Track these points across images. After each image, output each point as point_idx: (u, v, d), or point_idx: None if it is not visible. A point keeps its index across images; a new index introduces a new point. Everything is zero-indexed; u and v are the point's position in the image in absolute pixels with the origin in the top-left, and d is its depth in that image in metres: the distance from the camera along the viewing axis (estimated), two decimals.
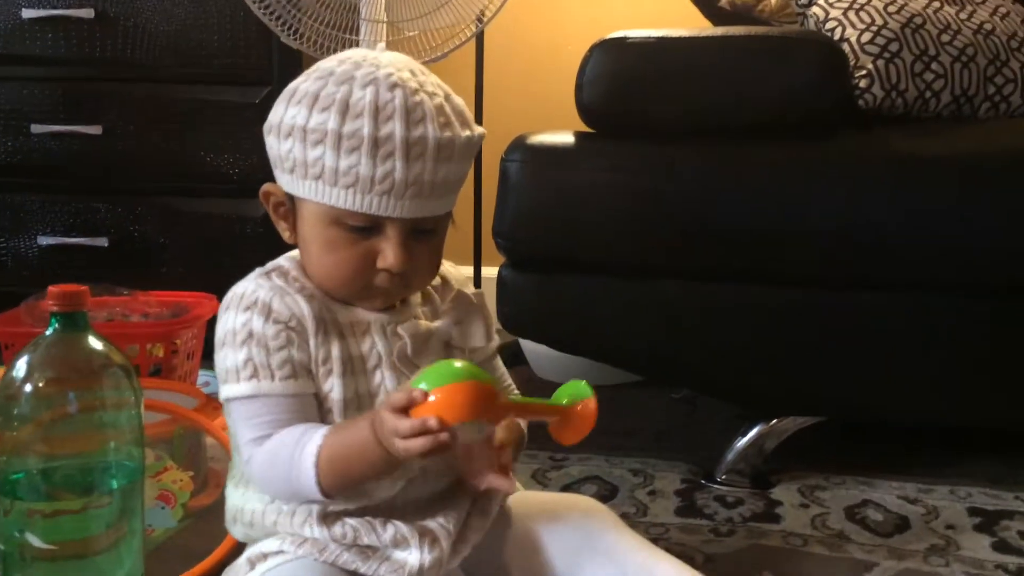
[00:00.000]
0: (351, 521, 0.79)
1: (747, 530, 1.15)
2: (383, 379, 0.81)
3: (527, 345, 1.94)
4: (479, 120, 1.98)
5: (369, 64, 0.77)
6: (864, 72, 1.28)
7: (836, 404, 1.30)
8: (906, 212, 1.18)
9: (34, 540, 0.79)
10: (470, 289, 0.89)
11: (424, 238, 0.80)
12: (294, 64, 1.75)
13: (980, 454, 1.38)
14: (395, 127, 0.74)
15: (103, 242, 1.84)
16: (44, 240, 1.85)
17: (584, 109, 1.27)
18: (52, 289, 0.82)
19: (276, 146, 0.79)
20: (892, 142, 1.22)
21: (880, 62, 1.28)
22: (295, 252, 0.85)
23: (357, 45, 1.62)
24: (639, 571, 0.87)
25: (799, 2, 1.40)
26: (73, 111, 1.82)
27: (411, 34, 1.66)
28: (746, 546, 1.11)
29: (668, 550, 0.93)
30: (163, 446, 1.11)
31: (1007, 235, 1.16)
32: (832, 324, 1.26)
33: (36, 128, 1.81)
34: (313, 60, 1.55)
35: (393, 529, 0.80)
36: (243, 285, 0.81)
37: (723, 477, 1.30)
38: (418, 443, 0.70)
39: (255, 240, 1.82)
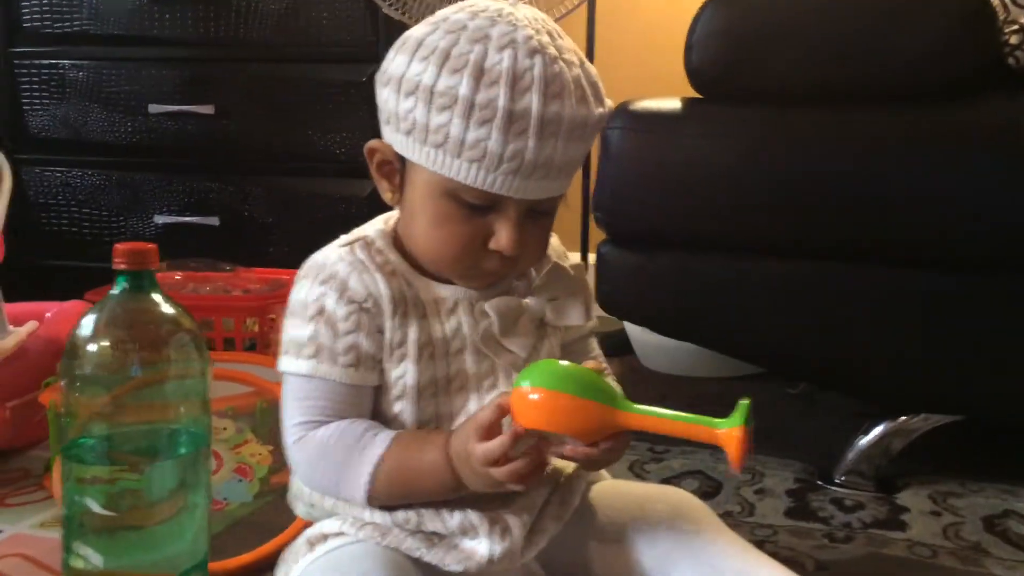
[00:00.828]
0: (416, 505, 0.74)
1: (867, 537, 1.04)
2: (465, 363, 0.75)
3: (633, 333, 1.85)
4: None
5: (506, 21, 0.69)
6: (1016, 27, 1.13)
7: (977, 402, 1.15)
8: None
9: (94, 506, 0.77)
10: (569, 261, 0.81)
11: (539, 219, 0.73)
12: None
13: None
14: (532, 101, 0.67)
15: (214, 221, 1.86)
16: (160, 219, 1.89)
17: (693, 72, 1.17)
18: (118, 247, 0.80)
19: (394, 102, 0.71)
20: None
21: None
22: (385, 218, 0.79)
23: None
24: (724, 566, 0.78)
25: None
26: (187, 91, 1.85)
27: None
28: (864, 554, 1.00)
29: (774, 555, 0.83)
30: (245, 419, 1.09)
31: None
32: (973, 311, 1.12)
33: (153, 108, 1.85)
34: None
35: (461, 516, 0.74)
36: (323, 254, 0.76)
37: (842, 479, 1.18)
38: (514, 470, 0.67)
39: (361, 220, 1.78)
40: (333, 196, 1.81)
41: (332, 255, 0.75)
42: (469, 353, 0.75)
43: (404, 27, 1.57)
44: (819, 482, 1.18)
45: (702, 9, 1.17)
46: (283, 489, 1.09)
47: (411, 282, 0.75)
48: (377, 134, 0.76)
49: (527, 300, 0.77)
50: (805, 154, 1.13)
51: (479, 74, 0.67)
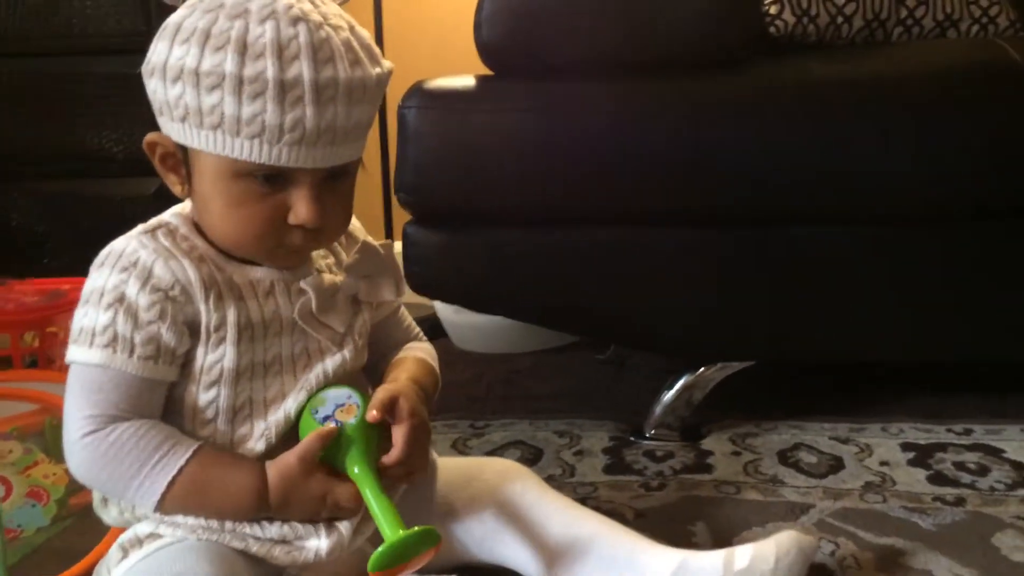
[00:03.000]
0: None
1: (678, 482, 1.10)
2: (282, 346, 0.74)
3: (445, 315, 1.85)
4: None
5: None
6: None
7: (764, 348, 1.24)
8: (825, 143, 1.13)
9: None
10: (377, 240, 0.81)
11: (336, 186, 0.72)
12: None
13: (910, 390, 1.34)
14: (302, 68, 0.65)
15: None
16: None
17: (484, 49, 1.18)
18: None
19: (162, 91, 0.68)
20: (808, 70, 1.17)
21: None
22: (183, 206, 0.76)
23: None
24: (563, 531, 0.81)
25: None
26: None
27: None
28: (678, 499, 1.05)
29: (596, 508, 0.87)
30: (34, 439, 1.00)
31: (929, 163, 1.12)
32: (756, 267, 1.20)
33: None
34: None
35: (280, 526, 0.72)
36: (123, 242, 0.72)
37: (652, 432, 1.24)
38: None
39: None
40: (115, 197, 1.70)
41: (133, 243, 0.71)
42: (286, 335, 0.74)
43: None
44: (631, 438, 1.24)
45: None
46: (85, 510, 1.02)
47: (221, 267, 0.72)
48: (157, 126, 0.72)
49: (340, 278, 0.76)
50: (596, 124, 1.17)
51: (243, 48, 0.65)
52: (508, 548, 0.82)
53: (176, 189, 0.73)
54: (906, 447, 1.17)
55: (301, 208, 0.69)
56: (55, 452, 1.01)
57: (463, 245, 1.22)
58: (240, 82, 0.65)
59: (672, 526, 0.98)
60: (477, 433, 1.26)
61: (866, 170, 1.14)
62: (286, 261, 0.74)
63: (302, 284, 0.74)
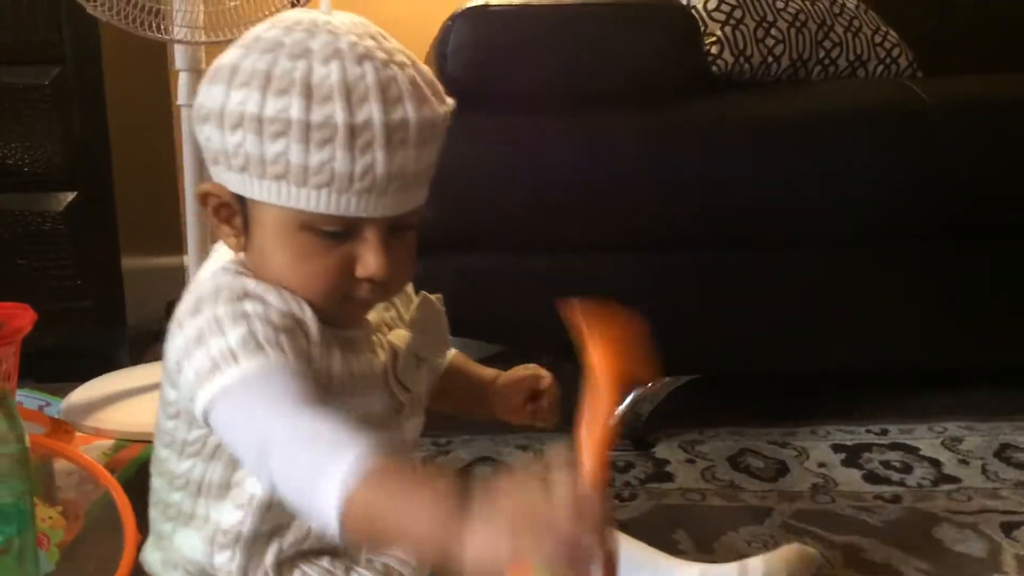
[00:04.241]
0: (310, 571, 0.72)
1: (647, 492, 1.18)
2: (373, 404, 0.70)
3: None
4: None
5: (324, 31, 0.63)
6: (714, 38, 1.32)
7: (708, 361, 1.34)
8: (764, 173, 1.24)
9: None
10: (432, 295, 0.79)
11: (402, 235, 0.67)
12: (91, 37, 1.57)
13: (826, 394, 1.48)
14: (372, 110, 0.61)
15: None
16: None
17: (450, 81, 1.21)
18: None
19: (219, 139, 0.64)
20: (749, 107, 1.27)
21: (728, 28, 1.33)
22: (225, 256, 0.70)
23: (167, 12, 1.47)
24: None
25: None
26: None
27: (232, 4, 1.53)
28: (650, 508, 1.13)
29: None
30: None
31: (851, 192, 1.25)
32: (700, 285, 1.30)
33: None
34: (116, 32, 1.40)
35: None
36: (214, 281, 0.66)
37: None
38: None
39: (59, 238, 1.62)
40: (22, 213, 1.61)
41: (228, 278, 0.66)
42: (376, 394, 0.71)
43: (93, 21, 1.45)
44: None
45: (452, 21, 1.22)
46: (65, 549, 0.99)
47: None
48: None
49: (408, 334, 0.75)
50: (555, 156, 1.23)
51: (309, 91, 0.61)
52: None
53: (231, 242, 0.69)
54: (836, 448, 1.30)
55: (370, 260, 0.65)
56: (41, 493, 0.97)
57: (432, 270, 1.25)
58: (307, 128, 0.61)
59: (655, 535, 1.04)
60: (442, 451, 1.30)
61: (798, 198, 1.26)
62: (352, 315, 0.70)
63: (392, 341, 0.72)
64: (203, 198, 0.69)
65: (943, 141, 1.24)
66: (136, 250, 1.79)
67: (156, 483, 0.76)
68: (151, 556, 0.78)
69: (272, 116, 0.61)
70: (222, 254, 0.72)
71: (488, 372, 0.88)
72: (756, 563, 0.85)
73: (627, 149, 1.24)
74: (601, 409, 0.63)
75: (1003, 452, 1.27)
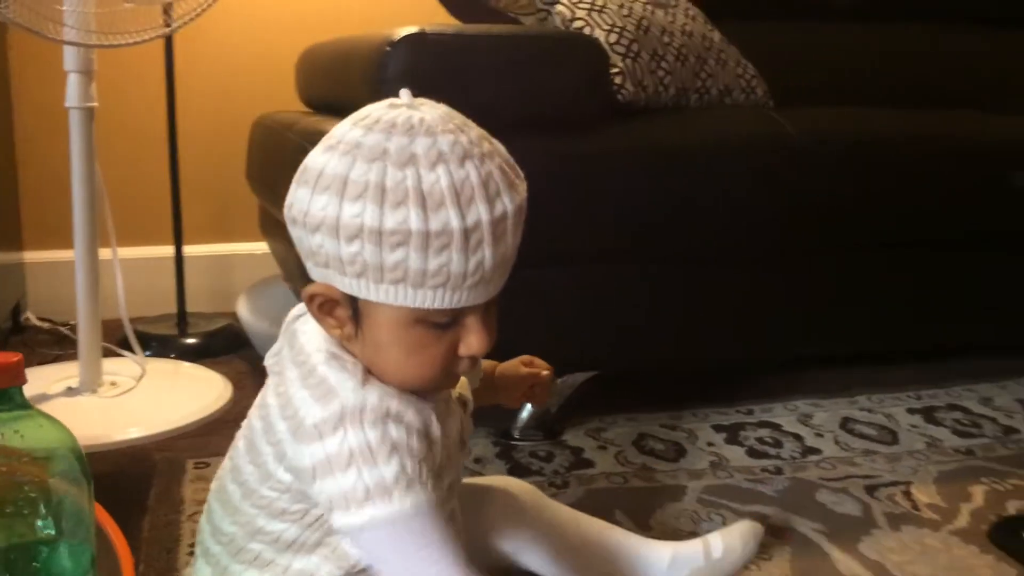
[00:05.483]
0: None
1: (576, 479, 1.33)
2: (451, 473, 0.79)
3: (251, 325, 1.89)
4: (173, 111, 1.89)
5: (421, 132, 0.66)
6: (617, 70, 1.47)
7: (607, 359, 1.51)
8: (661, 193, 1.41)
9: None
10: None
11: (491, 307, 0.72)
12: None
13: (699, 381, 1.70)
14: (480, 211, 0.65)
15: None
16: None
17: None
18: None
19: (332, 247, 0.66)
20: (651, 134, 1.44)
21: (628, 60, 1.48)
22: (327, 351, 0.73)
23: (59, 12, 1.41)
24: (575, 532, 1.00)
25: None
26: None
27: (127, 5, 1.49)
28: (584, 493, 1.28)
29: None
30: None
31: (731, 213, 1.45)
32: (602, 292, 1.46)
33: None
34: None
35: None
36: (353, 397, 0.70)
37: (518, 435, 1.46)
38: None
39: None
40: None
41: (370, 396, 0.70)
42: (449, 465, 0.78)
43: None
44: (508, 441, 1.44)
45: (391, 46, 1.29)
46: None
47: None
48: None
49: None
50: None
51: (423, 201, 0.64)
52: (529, 554, 0.99)
53: (334, 333, 0.72)
54: (717, 428, 1.51)
55: (474, 341, 0.70)
56: None
57: None
58: (426, 237, 0.64)
59: (601, 518, 1.20)
60: None
61: (688, 217, 1.44)
62: (446, 388, 0.78)
63: (453, 406, 0.79)
64: (310, 298, 0.71)
65: (805, 167, 1.47)
66: None
67: (229, 529, 0.80)
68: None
69: (392, 228, 0.64)
70: (315, 330, 0.75)
71: (486, 364, 0.96)
72: (716, 539, 1.02)
73: (546, 173, 1.36)
74: None
75: (846, 424, 1.54)
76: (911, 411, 1.60)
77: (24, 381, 0.71)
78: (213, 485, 0.86)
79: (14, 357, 0.70)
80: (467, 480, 1.02)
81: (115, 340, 1.76)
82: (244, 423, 0.82)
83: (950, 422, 1.55)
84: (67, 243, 1.56)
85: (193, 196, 2.02)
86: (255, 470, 0.77)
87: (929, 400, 1.65)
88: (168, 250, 1.97)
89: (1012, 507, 1.25)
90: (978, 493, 1.29)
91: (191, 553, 1.06)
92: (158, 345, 1.86)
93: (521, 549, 0.99)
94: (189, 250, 2.00)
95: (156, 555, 1.06)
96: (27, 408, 0.71)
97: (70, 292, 1.55)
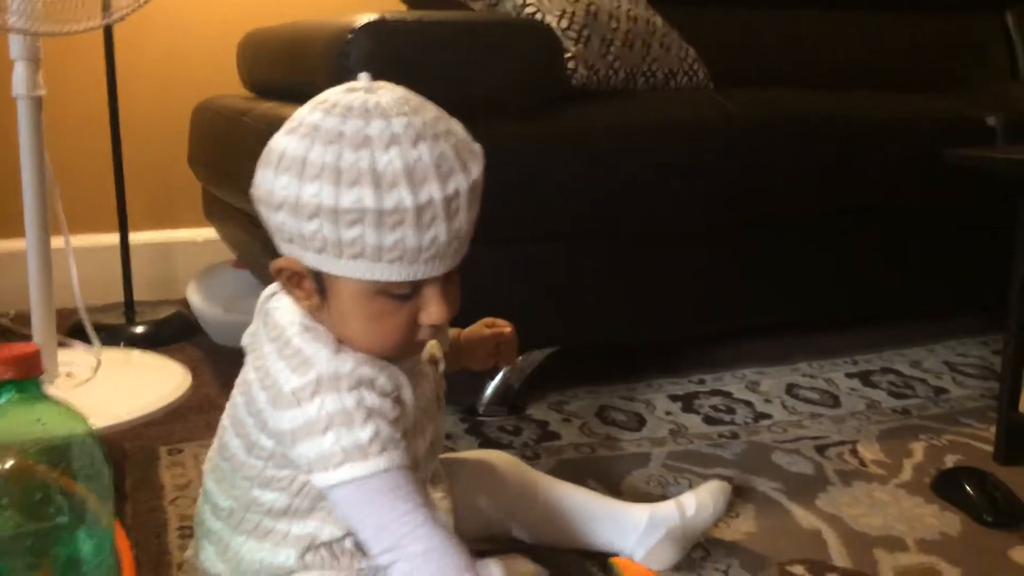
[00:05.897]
0: None
1: (545, 450, 1.38)
2: (427, 434, 0.86)
3: (201, 311, 1.88)
4: (115, 98, 1.86)
5: (376, 115, 0.70)
6: (570, 55, 1.51)
7: (563, 335, 1.56)
8: (612, 172, 1.47)
9: None
10: None
11: (452, 278, 0.78)
12: None
13: (651, 354, 1.76)
14: (432, 189, 0.70)
15: None
16: None
17: None
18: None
19: (294, 224, 0.71)
20: (604, 115, 1.49)
21: (580, 46, 1.53)
22: (301, 322, 0.78)
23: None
24: (557, 498, 1.05)
25: None
26: None
27: None
28: (555, 463, 1.33)
29: None
30: None
31: (672, 193, 1.52)
32: (559, 271, 1.51)
33: None
34: None
35: None
36: (328, 365, 0.74)
37: (483, 410, 1.50)
38: None
39: None
40: None
41: (342, 363, 0.75)
42: (429, 423, 0.86)
43: None
44: (475, 417, 1.48)
45: (353, 33, 1.30)
46: None
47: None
48: None
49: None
50: None
51: (377, 181, 0.68)
52: (513, 522, 1.04)
53: (304, 304, 0.78)
54: (673, 398, 1.58)
55: (434, 310, 0.75)
56: None
57: None
58: (380, 215, 0.68)
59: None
60: None
61: (633, 197, 1.50)
62: (414, 351, 0.83)
63: (426, 368, 0.85)
64: (277, 271, 0.77)
65: (746, 145, 1.54)
66: None
67: (226, 504, 0.84)
68: (215, 567, 0.84)
69: (347, 207, 0.68)
70: (288, 306, 0.80)
71: (451, 331, 1.00)
72: (688, 498, 1.08)
73: (502, 153, 1.40)
74: None
75: (791, 390, 1.63)
76: (849, 375, 1.70)
77: (42, 371, 0.72)
78: (205, 467, 0.89)
79: (32, 348, 0.71)
80: (450, 454, 1.07)
81: (63, 330, 1.73)
82: (228, 403, 0.85)
83: (885, 385, 1.66)
84: (8, 233, 1.54)
85: (136, 183, 1.99)
86: (241, 443, 0.82)
87: (865, 365, 1.76)
88: (111, 238, 1.94)
89: (950, 460, 1.35)
90: (918, 449, 1.39)
91: (181, 536, 1.07)
92: (106, 335, 1.83)
93: (505, 517, 1.04)
94: (133, 237, 1.97)
95: (146, 540, 1.06)
96: (45, 397, 0.72)
97: (8, 282, 1.53)
